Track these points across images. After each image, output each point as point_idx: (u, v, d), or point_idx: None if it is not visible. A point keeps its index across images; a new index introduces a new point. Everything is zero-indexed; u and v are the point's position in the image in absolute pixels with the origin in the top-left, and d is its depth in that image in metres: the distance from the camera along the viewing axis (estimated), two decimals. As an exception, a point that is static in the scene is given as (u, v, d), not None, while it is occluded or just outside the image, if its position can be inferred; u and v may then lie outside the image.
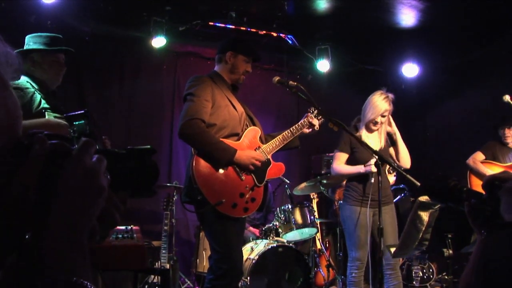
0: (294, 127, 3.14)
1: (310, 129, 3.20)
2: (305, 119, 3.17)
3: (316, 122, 3.18)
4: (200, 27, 5.40)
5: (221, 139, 2.86)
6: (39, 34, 2.90)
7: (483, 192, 1.28)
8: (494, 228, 1.17)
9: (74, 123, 2.62)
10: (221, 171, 2.81)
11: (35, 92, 2.66)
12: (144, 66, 5.76)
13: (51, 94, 2.80)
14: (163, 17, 5.25)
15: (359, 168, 3.64)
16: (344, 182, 5.00)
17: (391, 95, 3.76)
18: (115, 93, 5.61)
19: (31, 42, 2.85)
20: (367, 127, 3.73)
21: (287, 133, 3.11)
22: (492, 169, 4.70)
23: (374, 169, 3.48)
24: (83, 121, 2.62)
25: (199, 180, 2.74)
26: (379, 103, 3.66)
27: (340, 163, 3.77)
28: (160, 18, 5.25)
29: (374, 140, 3.74)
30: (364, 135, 3.72)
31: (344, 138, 3.76)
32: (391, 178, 5.03)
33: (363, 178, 3.68)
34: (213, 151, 2.77)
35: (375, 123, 3.69)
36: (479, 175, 4.72)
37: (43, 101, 2.65)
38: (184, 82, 4.89)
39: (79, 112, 2.68)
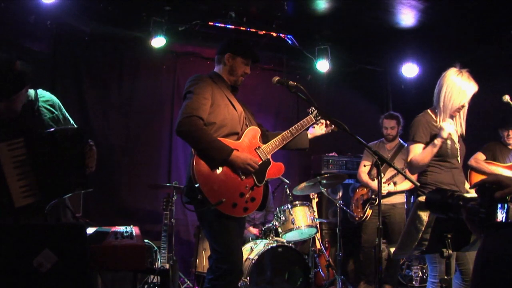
0: (294, 127, 3.14)
1: (327, 129, 3.25)
2: (305, 120, 3.18)
3: (324, 126, 3.23)
4: (199, 27, 5.40)
5: (220, 138, 2.86)
6: None
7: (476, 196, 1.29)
8: (491, 229, 1.18)
9: None
10: (219, 170, 2.81)
11: None
12: (143, 66, 5.76)
13: None
14: (162, 17, 5.25)
15: (436, 142, 3.02)
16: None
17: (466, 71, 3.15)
18: (115, 93, 5.61)
19: None
20: (451, 115, 3.14)
21: (286, 133, 3.12)
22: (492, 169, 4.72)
23: (450, 129, 3.00)
24: None
25: (199, 180, 2.74)
26: (466, 85, 3.07)
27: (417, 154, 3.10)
28: (159, 18, 5.25)
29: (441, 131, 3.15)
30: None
31: (422, 125, 3.15)
32: (404, 186, 5.01)
33: (440, 168, 3.13)
34: (208, 149, 2.77)
35: (462, 108, 3.13)
36: (483, 174, 4.73)
37: None
38: (183, 82, 4.89)
39: None
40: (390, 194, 4.97)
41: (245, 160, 2.84)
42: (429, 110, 3.24)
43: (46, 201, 2.40)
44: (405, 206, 5.10)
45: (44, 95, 2.77)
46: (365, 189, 5.29)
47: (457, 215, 1.35)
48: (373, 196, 5.10)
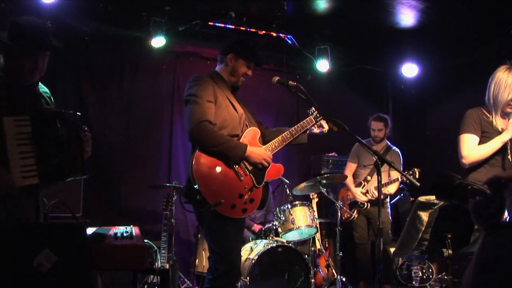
0: (293, 128, 3.14)
1: (319, 130, 3.23)
2: (305, 121, 3.18)
3: (326, 125, 3.21)
4: (199, 27, 5.40)
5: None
6: (15, 19, 2.38)
7: (487, 190, 1.29)
8: (496, 227, 1.18)
9: None
10: (218, 170, 2.81)
11: None
12: (143, 66, 5.75)
13: (20, 89, 2.42)
14: (162, 17, 5.25)
15: (499, 139, 3.04)
16: None
17: None
18: (115, 93, 5.61)
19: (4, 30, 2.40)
20: (503, 111, 3.13)
21: (286, 134, 3.11)
22: None
23: None
24: None
25: (198, 181, 2.74)
26: None
27: (474, 147, 3.10)
28: (159, 18, 5.25)
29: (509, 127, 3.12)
30: (499, 122, 3.14)
31: (473, 118, 3.16)
32: (393, 188, 5.03)
33: (490, 165, 3.12)
34: (225, 150, 2.80)
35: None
36: None
37: None
38: (183, 82, 4.89)
39: None
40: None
41: (260, 154, 2.89)
42: (482, 107, 3.23)
43: (43, 185, 2.32)
44: (389, 206, 5.14)
45: (41, 85, 2.64)
46: (349, 191, 5.32)
47: (462, 204, 1.34)
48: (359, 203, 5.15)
